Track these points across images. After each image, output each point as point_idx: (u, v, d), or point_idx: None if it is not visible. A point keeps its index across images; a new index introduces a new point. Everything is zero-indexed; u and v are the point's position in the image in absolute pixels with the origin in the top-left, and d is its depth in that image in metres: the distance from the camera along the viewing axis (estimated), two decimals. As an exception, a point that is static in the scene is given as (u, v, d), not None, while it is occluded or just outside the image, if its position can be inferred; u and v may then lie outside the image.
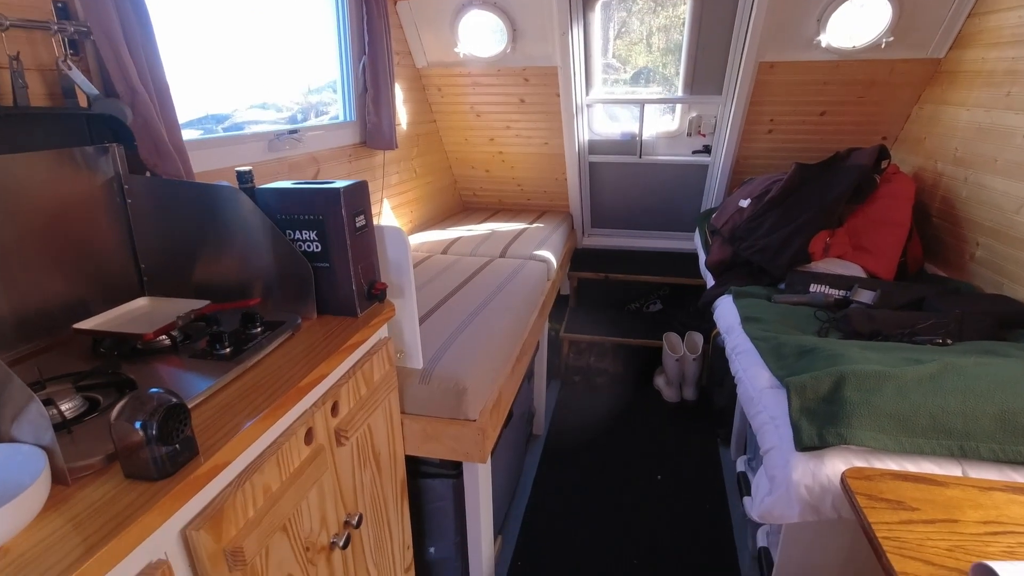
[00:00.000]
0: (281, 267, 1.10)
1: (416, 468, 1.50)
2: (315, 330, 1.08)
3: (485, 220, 2.92)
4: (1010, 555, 0.86)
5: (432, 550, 1.59)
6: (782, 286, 1.98)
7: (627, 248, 3.14)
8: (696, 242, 2.71)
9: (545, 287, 2.15)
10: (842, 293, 1.83)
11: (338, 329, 1.08)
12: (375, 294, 1.15)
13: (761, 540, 1.67)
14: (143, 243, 1.13)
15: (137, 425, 0.64)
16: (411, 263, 1.25)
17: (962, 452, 1.07)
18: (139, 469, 0.66)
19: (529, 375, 2.18)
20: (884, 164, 2.08)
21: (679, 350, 2.62)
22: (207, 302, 1.05)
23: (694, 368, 2.60)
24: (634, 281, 2.98)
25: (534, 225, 2.77)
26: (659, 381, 2.78)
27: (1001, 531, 0.90)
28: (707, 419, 2.56)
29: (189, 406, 0.80)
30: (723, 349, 2.38)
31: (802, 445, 1.11)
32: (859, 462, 1.09)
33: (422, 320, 1.59)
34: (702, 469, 2.24)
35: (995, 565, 0.79)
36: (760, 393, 1.36)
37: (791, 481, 1.09)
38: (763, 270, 2.03)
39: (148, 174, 1.14)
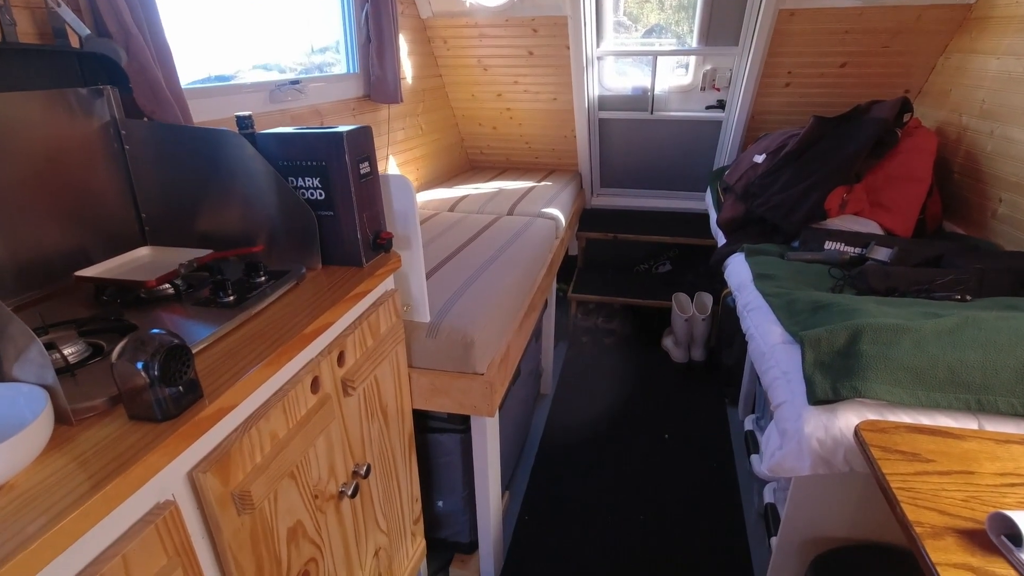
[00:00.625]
0: (284, 216, 1.07)
1: (424, 423, 1.51)
2: (320, 280, 1.06)
3: (492, 179, 2.87)
4: (1027, 505, 0.84)
5: (440, 504, 1.61)
6: (796, 244, 1.94)
7: (637, 208, 3.09)
8: (707, 201, 2.66)
9: (553, 245, 2.12)
10: (858, 251, 1.79)
11: (343, 279, 1.06)
12: (380, 244, 1.12)
13: (768, 497, 1.67)
14: (143, 191, 1.10)
15: (139, 366, 0.63)
16: (417, 214, 1.22)
17: (979, 406, 1.05)
18: (143, 410, 0.65)
19: (537, 334, 2.17)
20: (906, 118, 2.00)
21: (688, 310, 2.59)
22: (210, 251, 1.03)
23: (703, 329, 2.58)
24: (643, 241, 2.94)
25: (542, 183, 2.72)
26: (667, 342, 2.76)
27: (1019, 483, 0.88)
28: (715, 380, 2.55)
29: (193, 351, 0.79)
30: (733, 309, 2.35)
31: (815, 399, 1.09)
32: (872, 416, 1.07)
33: (429, 275, 1.57)
34: (709, 429, 2.24)
35: (1013, 514, 0.78)
36: (772, 349, 1.34)
37: (803, 435, 1.08)
38: (776, 228, 1.98)
39: (146, 120, 1.10)
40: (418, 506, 1.45)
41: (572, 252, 3.08)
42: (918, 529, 0.81)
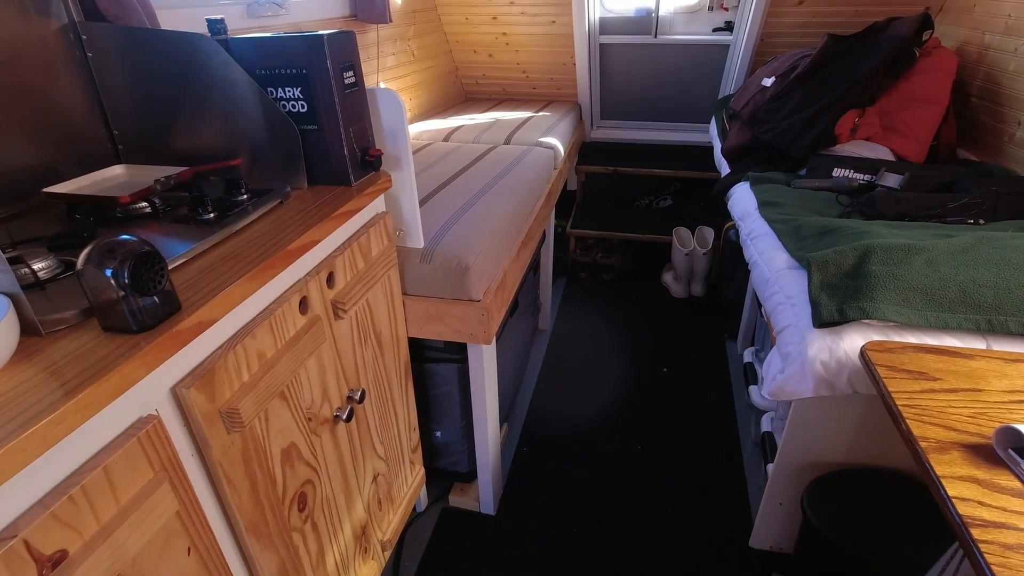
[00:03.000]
0: (265, 131, 1.00)
1: (421, 353, 1.49)
2: (305, 198, 1.01)
3: (488, 110, 2.75)
4: (1035, 421, 0.83)
5: (438, 433, 1.61)
6: (803, 172, 1.87)
7: (638, 141, 2.99)
8: (712, 132, 2.56)
9: (551, 175, 2.05)
10: (867, 178, 1.73)
11: (330, 198, 1.01)
12: (369, 161, 1.06)
13: (765, 425, 1.68)
14: (112, 104, 1.03)
15: (108, 273, 0.58)
16: (408, 131, 1.15)
17: (989, 326, 1.02)
18: (116, 321, 0.61)
19: (535, 267, 2.13)
20: (926, 36, 1.89)
21: (689, 244, 2.54)
22: (186, 167, 0.97)
23: (703, 263, 2.54)
24: (644, 175, 2.85)
25: (540, 114, 2.61)
26: (667, 277, 2.73)
27: (1027, 399, 0.87)
28: (715, 314, 2.53)
29: (171, 266, 0.75)
30: (734, 243, 2.31)
31: (820, 321, 1.06)
32: (878, 338, 1.04)
33: (422, 203, 1.51)
34: (708, 362, 2.24)
35: (1021, 427, 0.76)
36: (776, 275, 1.30)
37: (806, 357, 1.06)
38: (783, 155, 1.91)
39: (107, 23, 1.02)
40: (416, 435, 1.45)
41: (571, 187, 3.00)
42: (923, 444, 0.79)
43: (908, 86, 1.84)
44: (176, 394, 0.67)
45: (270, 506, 0.84)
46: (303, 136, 1.01)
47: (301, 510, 0.94)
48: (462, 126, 2.39)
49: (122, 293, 0.59)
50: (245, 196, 0.94)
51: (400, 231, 1.26)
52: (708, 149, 2.82)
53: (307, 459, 0.94)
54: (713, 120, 2.56)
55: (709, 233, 2.58)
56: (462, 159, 1.91)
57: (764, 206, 1.62)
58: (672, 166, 2.79)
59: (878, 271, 1.07)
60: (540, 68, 2.86)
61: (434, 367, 1.50)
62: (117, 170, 1.01)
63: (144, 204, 0.91)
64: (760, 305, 1.74)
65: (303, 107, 1.00)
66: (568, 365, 2.24)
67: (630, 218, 2.86)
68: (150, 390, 0.63)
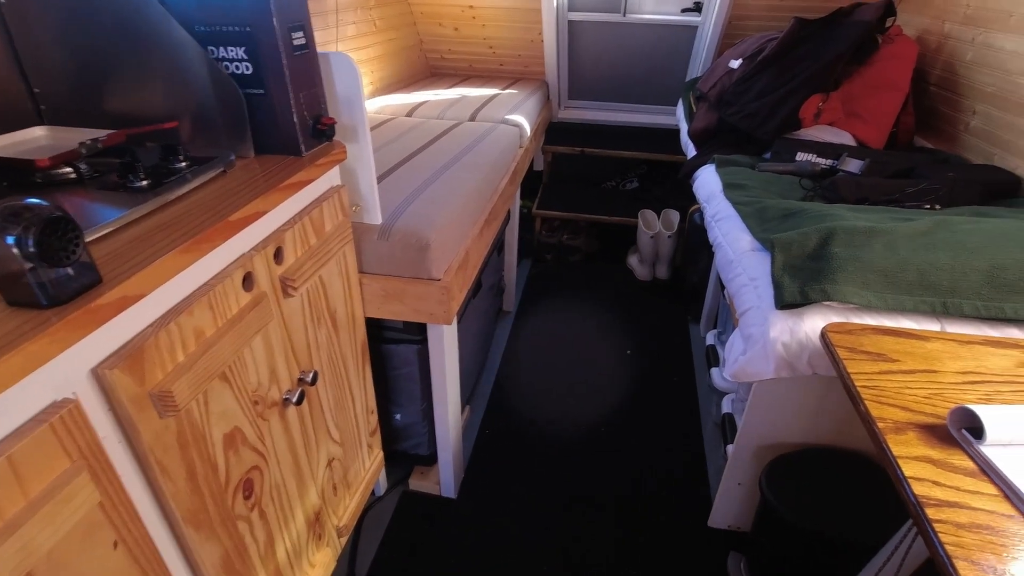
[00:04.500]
0: (206, 93, 0.93)
1: (379, 334, 1.44)
2: (252, 168, 0.94)
3: (454, 85, 2.68)
4: (987, 401, 0.84)
5: (398, 416, 1.57)
6: (767, 155, 1.87)
7: (606, 122, 2.96)
8: (679, 114, 2.55)
9: (517, 153, 2.00)
10: (829, 162, 1.74)
11: (279, 167, 0.94)
12: (321, 130, 1.00)
13: (726, 407, 1.69)
14: (33, 59, 0.94)
15: (10, 240, 0.52)
16: (363, 100, 1.08)
17: (944, 309, 1.03)
18: (22, 295, 0.55)
19: (499, 247, 2.09)
20: (889, 22, 1.91)
21: (654, 227, 2.54)
22: (115, 131, 0.89)
23: (668, 246, 2.54)
24: (612, 157, 2.83)
25: (507, 91, 2.55)
26: (632, 260, 2.73)
27: (979, 380, 0.88)
28: (679, 297, 2.55)
29: (95, 236, 0.68)
30: (699, 226, 2.31)
31: (783, 302, 1.06)
32: (838, 320, 1.05)
33: (381, 179, 1.45)
34: (671, 345, 2.25)
35: (975, 408, 0.77)
36: (740, 256, 1.29)
37: (768, 339, 1.05)
38: (749, 138, 1.91)
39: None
40: (374, 418, 1.41)
41: (537, 167, 2.96)
42: (880, 424, 0.79)
43: (870, 72, 1.85)
44: (98, 375, 0.61)
45: (211, 494, 0.79)
46: (249, 101, 0.94)
47: (247, 497, 0.89)
48: (426, 102, 2.31)
49: (29, 264, 0.53)
50: (184, 163, 0.87)
51: (356, 206, 1.20)
52: (676, 132, 2.82)
53: (253, 444, 0.88)
54: (680, 102, 2.54)
55: (675, 216, 2.59)
56: (425, 135, 1.84)
57: (729, 188, 1.61)
58: (639, 148, 2.77)
59: (840, 253, 1.07)
60: (507, 44, 2.79)
61: (393, 348, 1.45)
62: (38, 132, 0.92)
63: (68, 169, 0.83)
64: (723, 287, 1.75)
65: (248, 69, 0.93)
66: (532, 347, 2.22)
67: (596, 200, 2.84)
68: (66, 371, 0.57)
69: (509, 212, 2.13)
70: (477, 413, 1.91)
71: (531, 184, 2.94)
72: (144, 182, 0.81)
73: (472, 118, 2.13)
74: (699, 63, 2.68)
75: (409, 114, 2.19)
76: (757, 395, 1.27)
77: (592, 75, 2.88)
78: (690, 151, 2.14)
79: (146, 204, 0.76)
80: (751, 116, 1.86)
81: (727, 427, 1.63)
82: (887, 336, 0.97)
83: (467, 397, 1.88)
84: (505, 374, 2.08)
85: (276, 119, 0.96)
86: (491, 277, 2.01)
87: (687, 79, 2.74)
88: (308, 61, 0.97)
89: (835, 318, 1.05)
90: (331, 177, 1.07)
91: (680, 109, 2.53)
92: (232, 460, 0.83)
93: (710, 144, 2.01)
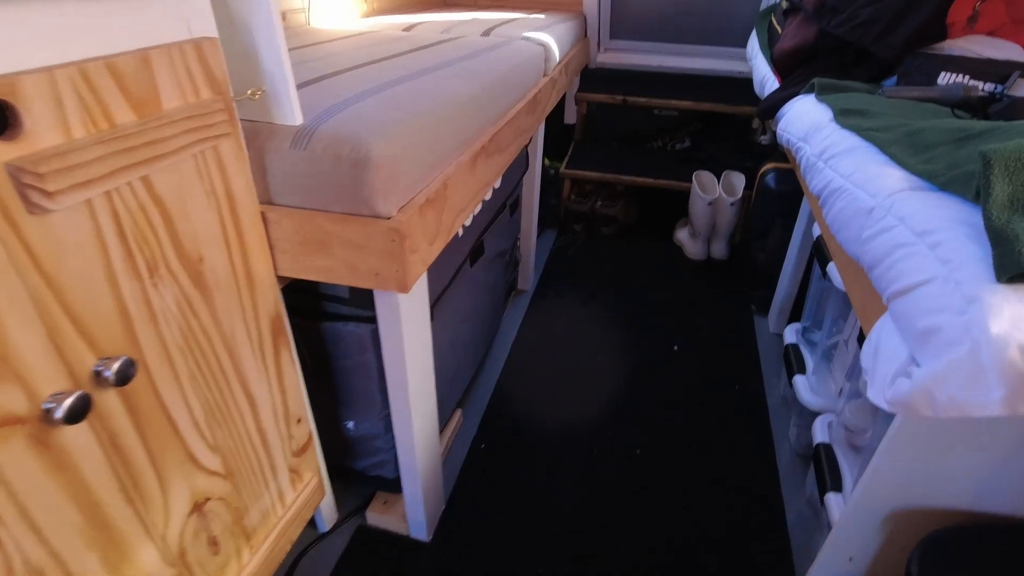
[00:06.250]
0: None
1: (318, 305, 0.98)
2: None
3: (471, 10, 2.19)
4: None
5: (350, 424, 1.12)
6: (889, 82, 1.34)
7: (655, 68, 2.42)
8: (751, 48, 2.00)
9: (539, 80, 1.51)
10: (992, 86, 1.19)
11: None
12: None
13: (819, 434, 1.18)
14: None
15: None
16: None
17: None
18: None
19: (512, 204, 1.61)
20: None
21: (713, 191, 2.02)
22: None
23: (729, 216, 2.02)
24: (659, 108, 2.31)
25: (532, 16, 2.05)
26: (682, 234, 2.21)
27: None
28: (740, 281, 2.02)
29: None
30: (774, 191, 1.78)
31: (1014, 269, 0.55)
32: None
33: (320, 80, 0.98)
34: (731, 342, 1.74)
35: None
36: (890, 200, 0.78)
37: (985, 337, 0.54)
38: (862, 58, 1.37)
39: None
40: (303, 429, 0.96)
41: (569, 120, 2.46)
42: None
43: (1050, -37, 1.29)
44: None
45: None
46: None
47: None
48: (430, 21, 1.83)
49: None
50: None
51: (258, 91, 0.73)
52: (742, 81, 2.27)
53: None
54: (754, 34, 2.00)
55: (739, 180, 2.05)
56: (413, 43, 1.37)
57: (844, 114, 1.09)
58: (695, 97, 2.24)
59: None
60: (537, -35, 2.28)
61: (339, 328, 0.99)
62: None
63: None
64: (819, 261, 1.23)
65: None
66: (551, 337, 1.74)
67: (639, 160, 2.32)
68: None
69: (527, 155, 1.64)
70: (472, 420, 1.45)
71: (561, 142, 2.44)
72: None
73: (484, 34, 1.64)
74: (777, -11, 2.13)
75: (406, 30, 1.71)
76: (903, 429, 0.77)
77: (640, 7, 2.35)
78: (768, 87, 1.61)
79: None
80: (867, 24, 1.32)
81: (823, 464, 1.12)
82: None
83: (458, 397, 1.41)
84: (513, 370, 1.61)
85: None
86: (499, 242, 1.53)
87: (762, 8, 2.19)
88: None
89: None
90: (176, 14, 0.60)
91: (753, 42, 1.98)
92: None
93: (802, 70, 1.47)
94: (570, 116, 2.44)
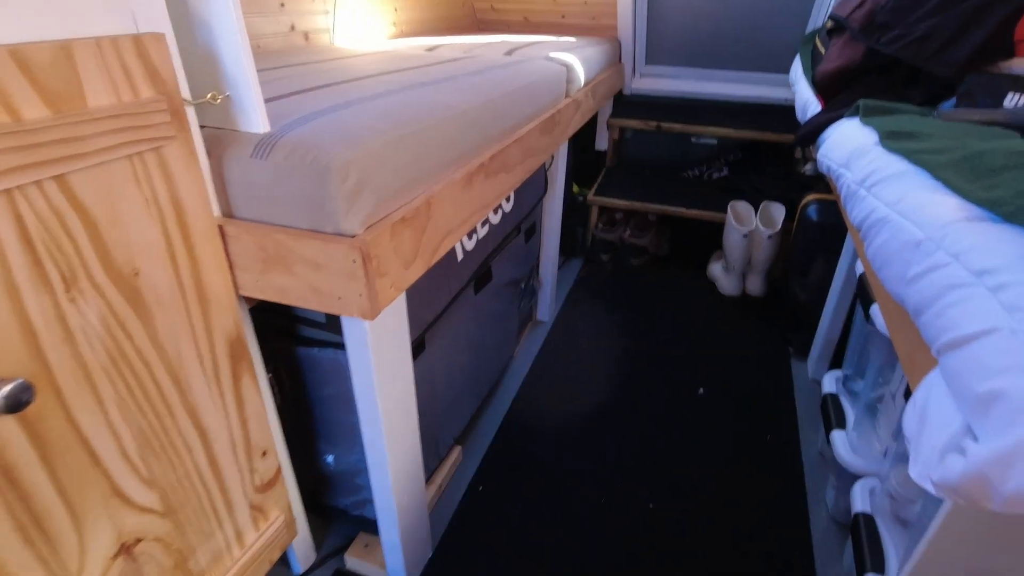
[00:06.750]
0: None
1: (293, 328, 0.91)
2: None
3: (503, 34, 2.16)
4: None
5: (330, 459, 1.03)
6: (946, 105, 1.20)
7: (693, 95, 2.32)
8: (794, 74, 1.89)
9: (559, 100, 1.44)
10: (1067, 108, 1.04)
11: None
12: None
13: (859, 502, 1.02)
14: None
15: None
16: None
17: None
18: None
19: (529, 231, 1.52)
20: None
21: (749, 222, 1.88)
22: None
23: (766, 250, 1.87)
24: (696, 135, 2.20)
25: (563, 38, 1.99)
26: (715, 268, 2.07)
27: None
28: (777, 321, 1.86)
29: None
30: (816, 223, 1.64)
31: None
32: None
33: (314, 90, 0.93)
34: (764, 388, 1.59)
35: None
36: (942, 232, 0.65)
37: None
38: (915, 78, 1.24)
39: None
40: (269, 463, 0.88)
41: (600, 146, 2.37)
42: None
43: None
44: None
45: None
46: None
47: None
48: (457, 43, 1.80)
49: None
50: None
51: (220, 95, 0.68)
52: (785, 109, 2.14)
53: None
54: (798, 58, 1.88)
55: (779, 211, 1.91)
56: (424, 60, 1.32)
57: (891, 137, 0.96)
58: (734, 125, 2.12)
59: None
60: (572, -11, 2.24)
61: (315, 354, 0.92)
62: None
63: None
64: (862, 301, 1.09)
65: None
66: (567, 372, 1.63)
67: (672, 189, 2.21)
68: None
69: (546, 179, 1.56)
70: (472, 459, 1.34)
71: (591, 169, 2.36)
72: None
73: (508, 54, 1.59)
74: (822, 13, 2.01)
75: (428, 51, 1.68)
76: (959, 513, 0.63)
77: (678, 31, 2.26)
78: (811, 112, 1.48)
79: None
80: (923, 40, 1.19)
81: (862, 539, 0.96)
82: None
83: (456, 434, 1.32)
84: (524, 405, 1.50)
85: None
86: (512, 269, 1.45)
87: (807, 31, 2.07)
88: None
89: None
90: (120, 5, 0.55)
91: (796, 66, 1.86)
92: None
93: (847, 93, 1.35)
94: (601, 142, 2.36)
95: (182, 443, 0.70)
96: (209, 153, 0.69)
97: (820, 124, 1.31)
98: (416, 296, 0.95)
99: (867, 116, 1.14)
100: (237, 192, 0.70)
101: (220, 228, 0.70)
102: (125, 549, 0.65)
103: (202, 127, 0.68)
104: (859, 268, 1.18)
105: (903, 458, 0.95)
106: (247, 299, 0.79)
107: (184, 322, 0.67)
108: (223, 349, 0.74)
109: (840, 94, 1.37)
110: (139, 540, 0.67)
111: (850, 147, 1.08)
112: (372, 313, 0.70)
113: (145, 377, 0.63)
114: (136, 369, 0.62)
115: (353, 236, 0.67)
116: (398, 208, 0.75)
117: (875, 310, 1.01)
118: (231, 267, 0.73)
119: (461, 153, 0.91)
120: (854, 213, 0.94)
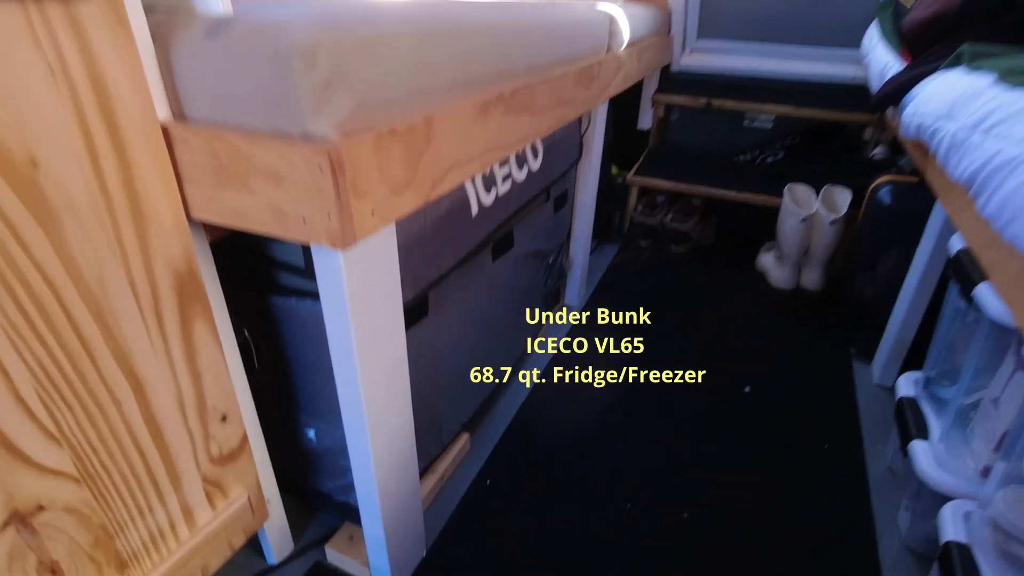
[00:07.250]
0: None
1: (269, 273, 0.78)
2: None
3: (540, 2, 2.00)
4: None
5: (311, 433, 0.90)
6: (1071, 54, 0.98)
7: (748, 72, 2.12)
8: (868, 42, 1.67)
9: (599, 52, 1.27)
10: None
11: None
12: None
13: (950, 530, 0.82)
14: None
15: None
16: None
17: None
18: None
19: (559, 200, 1.36)
20: None
21: (809, 206, 1.67)
22: None
23: (827, 238, 1.66)
24: (751, 113, 2.00)
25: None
26: (766, 259, 1.87)
27: None
28: (838, 318, 1.65)
29: None
30: (887, 208, 1.42)
31: None
32: None
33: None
34: (821, 390, 1.38)
35: None
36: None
37: None
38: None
39: None
40: (232, 429, 0.74)
41: (644, 125, 2.19)
42: None
43: None
44: None
45: None
46: None
47: None
48: None
49: None
50: None
51: (169, -38, 0.55)
52: (852, 88, 1.92)
53: None
54: (875, 24, 1.67)
55: (843, 196, 1.70)
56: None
57: (1013, 74, 0.77)
58: (796, 103, 1.91)
59: None
60: (620, -47, 2.06)
61: (292, 305, 0.78)
62: None
63: None
64: (960, 284, 0.89)
65: None
66: (594, 364, 1.46)
67: (720, 171, 2.01)
68: None
69: (581, 143, 1.40)
70: (482, 448, 1.19)
71: (632, 150, 2.18)
72: None
73: None
74: (905, -21, 1.78)
75: (456, 5, 1.54)
76: None
77: (735, 1, 2.07)
78: (893, 69, 1.28)
79: None
80: (1047, -24, 0.98)
81: (956, 572, 0.76)
82: None
83: (464, 419, 1.16)
84: (543, 396, 1.34)
85: None
86: (537, 240, 1.29)
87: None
88: None
89: None
90: None
91: (872, 32, 1.65)
92: None
93: (940, 46, 1.14)
94: (645, 121, 2.18)
95: (105, 393, 0.57)
96: (156, 40, 0.55)
97: (907, 80, 1.11)
98: (417, 246, 0.81)
99: (974, 61, 0.94)
100: (188, 87, 0.57)
101: (164, 129, 0.57)
102: (18, 518, 0.52)
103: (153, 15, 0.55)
104: (953, 247, 0.98)
105: (1016, 479, 0.75)
106: (206, 227, 0.65)
107: (110, 239, 0.54)
108: (167, 282, 0.60)
109: (932, 47, 1.16)
110: (40, 508, 0.54)
111: (952, 96, 0.89)
112: (343, 240, 0.55)
113: (49, 301, 0.50)
114: (36, 289, 0.49)
115: (323, 139, 0.53)
116: (389, 110, 0.60)
117: (982, 290, 0.81)
118: (179, 180, 0.59)
119: (478, 75, 0.76)
120: (962, 165, 0.74)
